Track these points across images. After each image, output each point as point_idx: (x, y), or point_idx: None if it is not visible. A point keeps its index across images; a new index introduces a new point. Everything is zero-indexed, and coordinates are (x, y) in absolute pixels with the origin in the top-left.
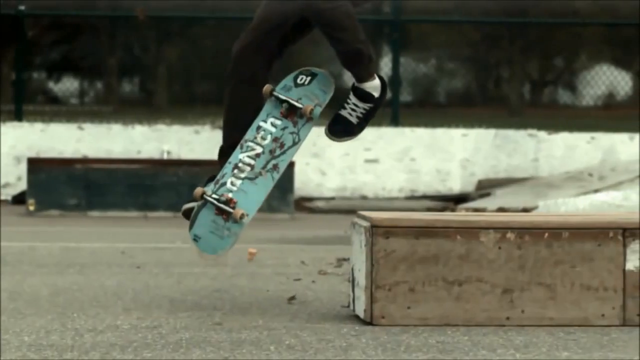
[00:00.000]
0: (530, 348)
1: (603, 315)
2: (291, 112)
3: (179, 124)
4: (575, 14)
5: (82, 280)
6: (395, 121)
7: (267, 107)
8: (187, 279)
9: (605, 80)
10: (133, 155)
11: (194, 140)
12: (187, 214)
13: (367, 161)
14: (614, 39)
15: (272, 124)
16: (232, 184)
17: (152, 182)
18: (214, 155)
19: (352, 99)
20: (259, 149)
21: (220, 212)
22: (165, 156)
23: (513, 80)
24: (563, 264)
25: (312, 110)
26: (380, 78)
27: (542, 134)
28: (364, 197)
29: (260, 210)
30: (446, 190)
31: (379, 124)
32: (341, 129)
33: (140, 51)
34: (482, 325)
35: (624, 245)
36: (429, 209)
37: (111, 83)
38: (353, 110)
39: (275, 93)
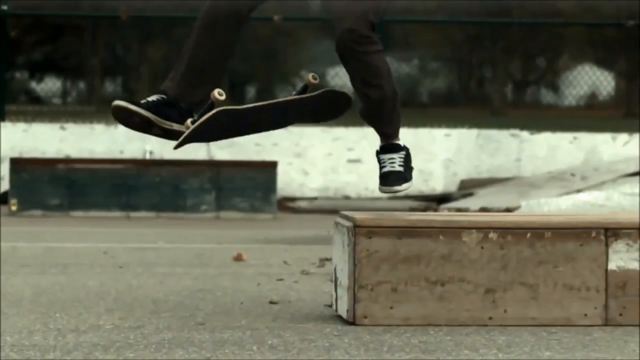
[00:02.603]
0: (512, 348)
1: (585, 315)
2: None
3: None
4: (557, 15)
5: (65, 280)
6: None
7: None
8: (170, 279)
9: (588, 80)
10: (116, 155)
11: None
12: (119, 112)
13: (350, 161)
14: (596, 39)
15: None
16: None
17: (135, 182)
18: (197, 155)
19: (384, 156)
20: None
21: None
22: (147, 156)
23: (496, 81)
24: (545, 263)
25: (313, 76)
26: (405, 148)
27: (525, 134)
28: (347, 197)
29: (243, 210)
30: (429, 190)
31: (361, 124)
32: (394, 178)
33: (123, 51)
34: (464, 325)
35: (607, 245)
36: (411, 209)
37: (94, 83)
38: (392, 162)
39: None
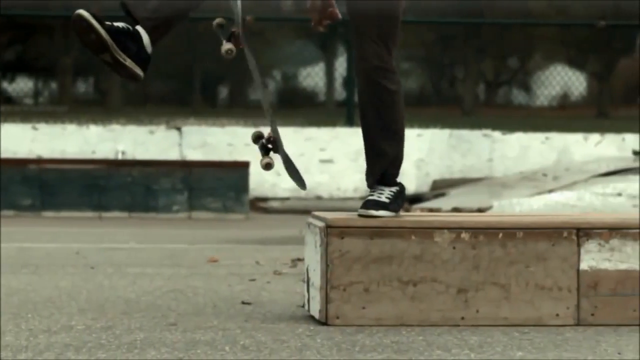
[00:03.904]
0: (484, 348)
1: (557, 315)
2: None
3: (133, 124)
4: (529, 15)
5: (36, 280)
6: (350, 121)
7: None
8: (142, 280)
9: (560, 80)
10: (87, 155)
11: (149, 141)
12: (79, 23)
13: (322, 161)
14: (568, 40)
15: None
16: None
17: (107, 183)
18: (169, 155)
19: (377, 185)
20: None
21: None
22: (119, 156)
23: (467, 81)
24: (517, 263)
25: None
26: (400, 185)
27: (497, 134)
28: (319, 198)
29: (215, 210)
30: None
31: (333, 124)
32: (372, 204)
33: None
34: (436, 325)
35: (578, 245)
36: None
37: (65, 83)
38: (380, 193)
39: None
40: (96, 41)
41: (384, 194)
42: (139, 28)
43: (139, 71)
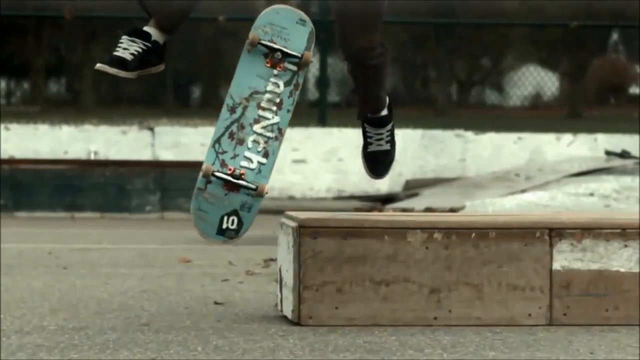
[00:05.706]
0: (457, 348)
1: (530, 314)
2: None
3: (105, 125)
4: (502, 15)
5: (8, 281)
6: (322, 121)
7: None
8: (114, 280)
9: (532, 80)
10: (60, 155)
11: (121, 141)
12: (105, 75)
13: (295, 161)
14: (541, 40)
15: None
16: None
17: (79, 183)
18: (141, 156)
19: (372, 130)
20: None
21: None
22: (92, 157)
23: (440, 81)
24: (490, 264)
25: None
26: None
27: (469, 134)
28: (292, 198)
29: (188, 211)
30: (374, 190)
31: (306, 124)
32: (385, 165)
33: (67, 51)
34: (409, 325)
35: (551, 245)
36: (356, 210)
37: (38, 83)
38: (379, 139)
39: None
40: (124, 77)
41: (383, 139)
42: (152, 33)
43: (161, 67)
